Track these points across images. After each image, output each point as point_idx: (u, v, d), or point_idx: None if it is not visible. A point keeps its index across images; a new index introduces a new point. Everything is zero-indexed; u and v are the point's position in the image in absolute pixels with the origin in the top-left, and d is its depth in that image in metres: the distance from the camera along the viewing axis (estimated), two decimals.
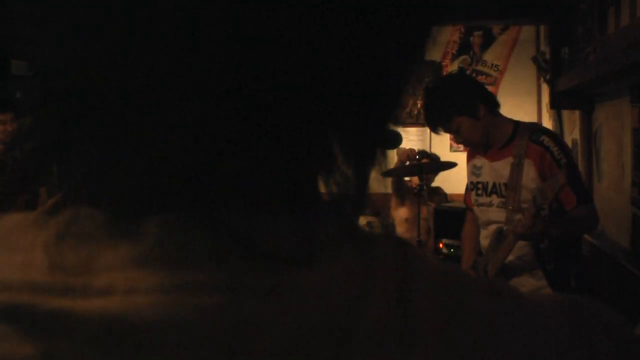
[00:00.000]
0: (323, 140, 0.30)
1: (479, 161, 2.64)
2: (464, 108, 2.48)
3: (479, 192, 2.63)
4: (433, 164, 4.47)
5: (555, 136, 2.55)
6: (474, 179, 2.67)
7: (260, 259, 0.28)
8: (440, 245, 4.01)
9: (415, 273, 0.31)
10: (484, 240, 2.63)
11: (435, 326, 0.29)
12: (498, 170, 2.53)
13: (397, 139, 2.79)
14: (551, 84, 3.89)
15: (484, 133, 2.52)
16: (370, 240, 0.31)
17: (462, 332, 0.29)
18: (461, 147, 5.92)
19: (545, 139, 2.44)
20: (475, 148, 2.63)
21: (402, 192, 4.66)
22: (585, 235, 3.41)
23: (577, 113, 3.93)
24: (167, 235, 0.28)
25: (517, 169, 2.44)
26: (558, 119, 4.43)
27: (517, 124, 2.56)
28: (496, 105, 2.57)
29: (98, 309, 0.26)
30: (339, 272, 0.29)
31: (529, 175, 2.43)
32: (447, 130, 2.59)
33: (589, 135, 3.67)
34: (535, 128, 2.57)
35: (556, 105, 3.93)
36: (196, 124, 0.27)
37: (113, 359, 0.26)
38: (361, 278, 0.29)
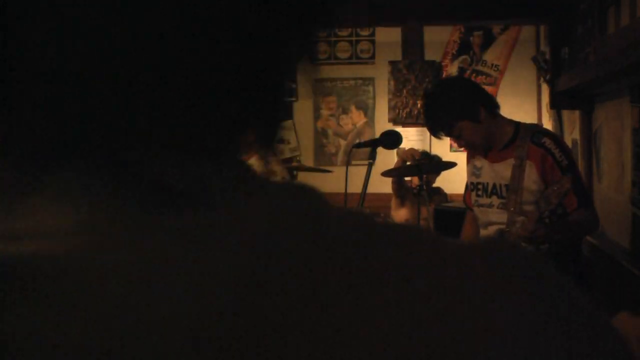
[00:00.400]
0: (228, 92, 0.31)
1: (479, 162, 2.64)
2: (465, 112, 2.48)
3: (479, 192, 2.63)
4: (433, 164, 4.47)
5: (557, 138, 2.55)
6: (474, 180, 2.66)
7: (165, 199, 0.28)
8: None
9: (323, 215, 0.30)
10: None
11: (349, 264, 0.28)
12: (499, 171, 2.53)
13: (397, 139, 2.79)
14: (551, 84, 3.90)
15: (486, 136, 2.52)
16: (274, 184, 0.32)
17: (383, 269, 0.28)
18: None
19: (546, 140, 2.44)
20: (477, 150, 2.62)
21: (402, 193, 4.65)
22: None
23: (577, 113, 3.93)
24: (76, 179, 0.28)
25: (518, 170, 2.44)
26: (558, 119, 4.43)
27: (517, 125, 2.56)
28: (496, 106, 2.57)
29: (15, 252, 0.26)
30: (245, 214, 0.29)
31: (531, 177, 2.42)
32: (448, 135, 2.60)
33: (589, 135, 3.67)
34: (536, 129, 2.57)
35: (556, 105, 3.94)
36: (109, 70, 0.28)
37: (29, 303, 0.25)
38: (268, 221, 0.29)
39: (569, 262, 2.54)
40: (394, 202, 4.77)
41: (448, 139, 5.92)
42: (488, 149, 2.58)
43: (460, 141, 2.58)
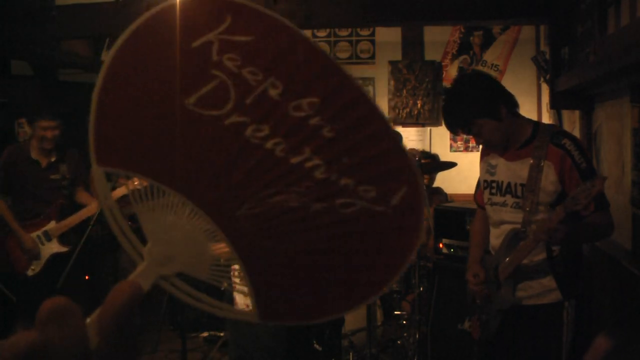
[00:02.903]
0: None
1: (494, 160, 2.60)
2: (486, 110, 2.45)
3: (493, 190, 2.59)
4: (433, 164, 4.47)
5: (576, 140, 2.49)
6: (488, 178, 2.63)
7: None
8: (440, 245, 4.01)
9: None
10: (495, 239, 2.60)
11: None
12: (515, 170, 2.50)
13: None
14: (551, 84, 3.90)
15: (505, 134, 2.48)
16: None
17: None
18: (461, 147, 5.95)
19: (566, 142, 2.41)
20: (495, 148, 2.57)
21: None
22: None
23: (577, 113, 3.93)
24: None
25: (536, 170, 2.41)
26: (558, 119, 4.43)
27: (536, 125, 2.53)
28: (516, 105, 2.53)
29: None
30: None
31: (548, 177, 2.39)
32: (467, 133, 2.55)
33: (589, 135, 3.67)
34: (555, 130, 2.53)
35: (556, 105, 3.93)
36: None
37: None
38: None
39: (578, 265, 2.53)
40: None
41: (448, 139, 5.94)
42: (505, 147, 2.54)
43: (479, 138, 2.53)
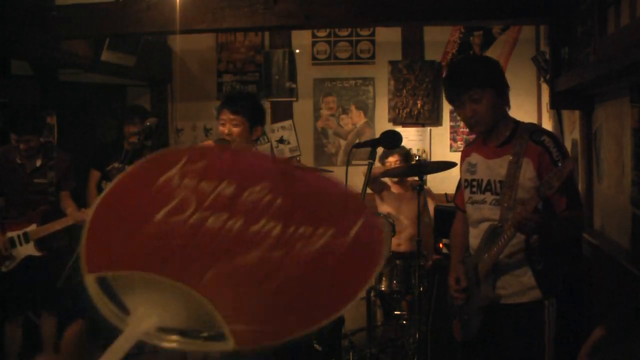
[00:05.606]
0: None
1: (474, 158, 2.63)
2: (496, 81, 2.48)
3: (474, 189, 2.61)
4: (433, 164, 4.47)
5: (556, 138, 2.52)
6: (469, 177, 2.65)
7: None
8: (440, 245, 4.01)
9: None
10: (474, 240, 2.61)
11: None
12: (494, 168, 2.52)
13: (397, 139, 2.79)
14: (551, 84, 3.90)
15: (495, 119, 2.49)
16: None
17: None
18: (461, 147, 5.94)
19: (546, 139, 2.44)
20: (478, 129, 2.53)
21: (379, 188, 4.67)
22: (585, 235, 3.41)
23: (577, 113, 3.93)
24: None
25: (515, 167, 2.43)
26: (558, 119, 4.44)
27: (517, 123, 2.55)
28: (509, 104, 2.57)
29: None
30: None
31: (527, 174, 2.41)
32: (462, 99, 2.47)
33: (589, 135, 3.67)
34: (535, 128, 2.56)
35: (556, 105, 3.93)
36: None
37: None
38: None
39: (558, 263, 2.53)
40: (378, 201, 4.79)
41: (448, 138, 5.92)
42: (486, 138, 2.54)
43: (472, 112, 2.47)
